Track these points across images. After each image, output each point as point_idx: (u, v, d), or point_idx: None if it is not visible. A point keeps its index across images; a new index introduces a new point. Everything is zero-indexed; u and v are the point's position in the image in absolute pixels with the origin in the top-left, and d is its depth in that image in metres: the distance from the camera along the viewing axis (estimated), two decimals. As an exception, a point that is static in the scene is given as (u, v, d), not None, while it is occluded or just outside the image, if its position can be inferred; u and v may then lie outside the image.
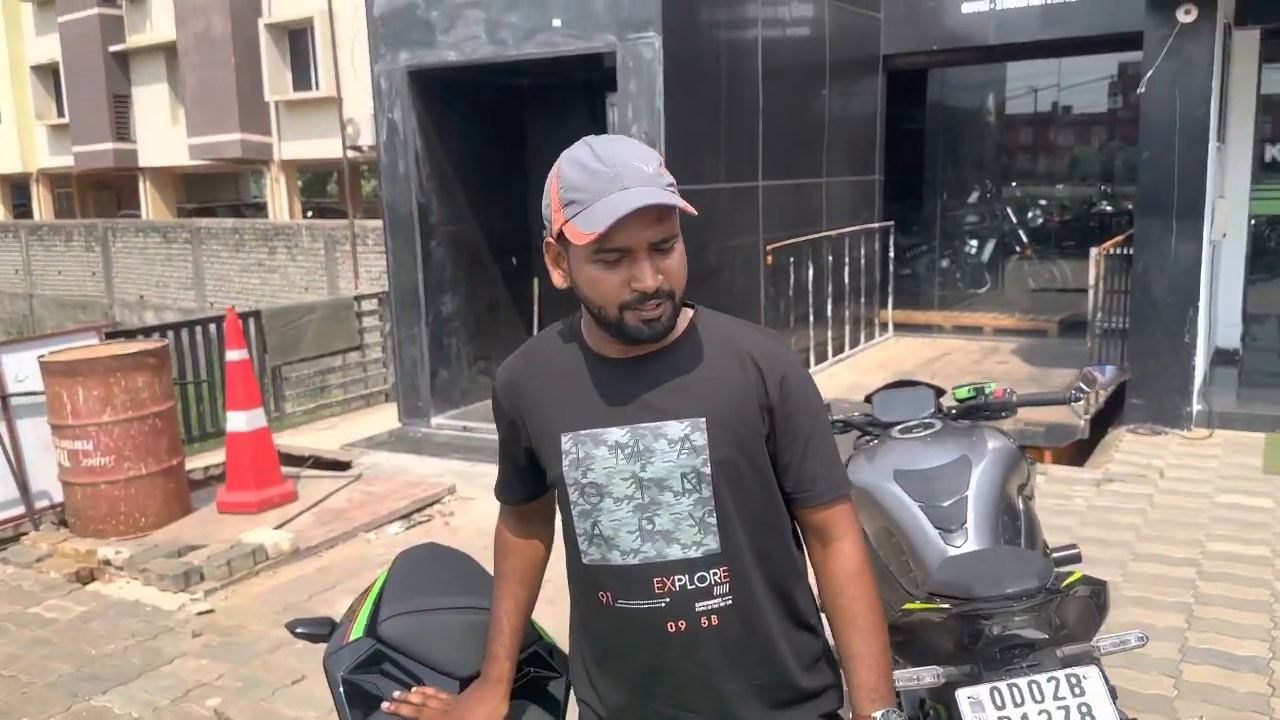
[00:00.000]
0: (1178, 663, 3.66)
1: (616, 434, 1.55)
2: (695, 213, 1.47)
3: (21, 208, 27.09)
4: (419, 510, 5.64)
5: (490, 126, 7.73)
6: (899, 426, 2.65)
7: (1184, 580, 4.37)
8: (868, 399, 2.80)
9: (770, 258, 6.99)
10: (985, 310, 9.71)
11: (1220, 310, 8.08)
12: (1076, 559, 2.87)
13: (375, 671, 1.80)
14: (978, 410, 2.71)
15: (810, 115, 7.90)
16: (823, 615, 1.68)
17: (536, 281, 8.19)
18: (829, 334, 8.10)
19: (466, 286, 7.56)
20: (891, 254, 9.16)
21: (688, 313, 1.62)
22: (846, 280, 8.25)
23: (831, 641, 1.65)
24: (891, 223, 9.09)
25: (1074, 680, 1.86)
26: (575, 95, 7.95)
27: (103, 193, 27.16)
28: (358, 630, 1.85)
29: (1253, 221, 8.17)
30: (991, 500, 2.39)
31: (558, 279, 1.56)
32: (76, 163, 23.45)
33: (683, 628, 1.55)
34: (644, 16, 6.07)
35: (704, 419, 1.54)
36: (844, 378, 7.55)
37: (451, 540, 5.23)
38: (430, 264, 7.23)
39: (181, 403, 6.59)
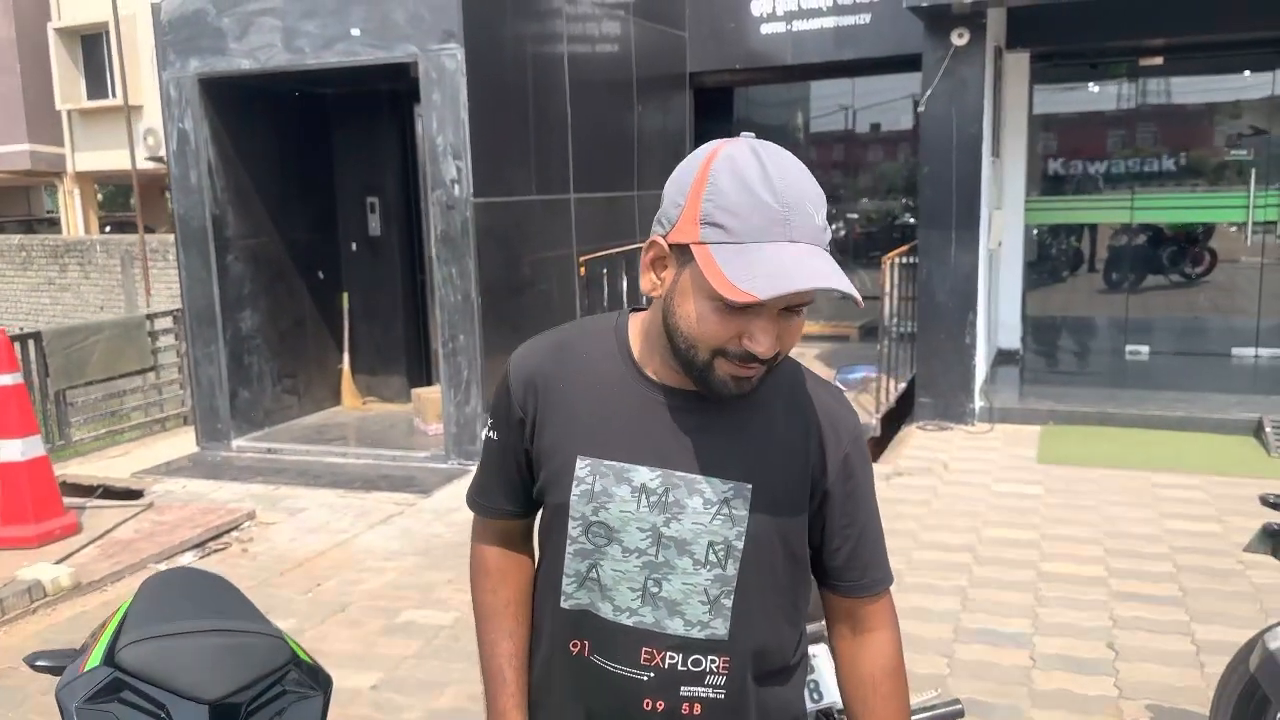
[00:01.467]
0: (951, 642, 3.91)
1: (645, 475, 1.32)
2: (862, 304, 1.31)
3: None
4: (215, 538, 5.39)
5: (293, 137, 7.50)
6: None
7: (961, 565, 4.67)
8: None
9: (584, 269, 7.06)
10: (794, 317, 10.09)
11: (1001, 314, 8.70)
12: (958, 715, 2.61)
13: (114, 700, 1.71)
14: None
15: (621, 129, 8.04)
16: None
17: (346, 296, 8.00)
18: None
19: (268, 302, 7.30)
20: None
21: None
22: (625, 303, 8.40)
23: None
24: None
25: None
26: (383, 105, 7.82)
27: None
28: (94, 660, 1.76)
29: (1035, 231, 8.85)
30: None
31: (648, 284, 1.29)
32: None
33: (660, 709, 1.35)
34: (445, 27, 6.04)
35: (750, 485, 1.32)
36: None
37: (251, 568, 5.08)
38: (227, 279, 6.95)
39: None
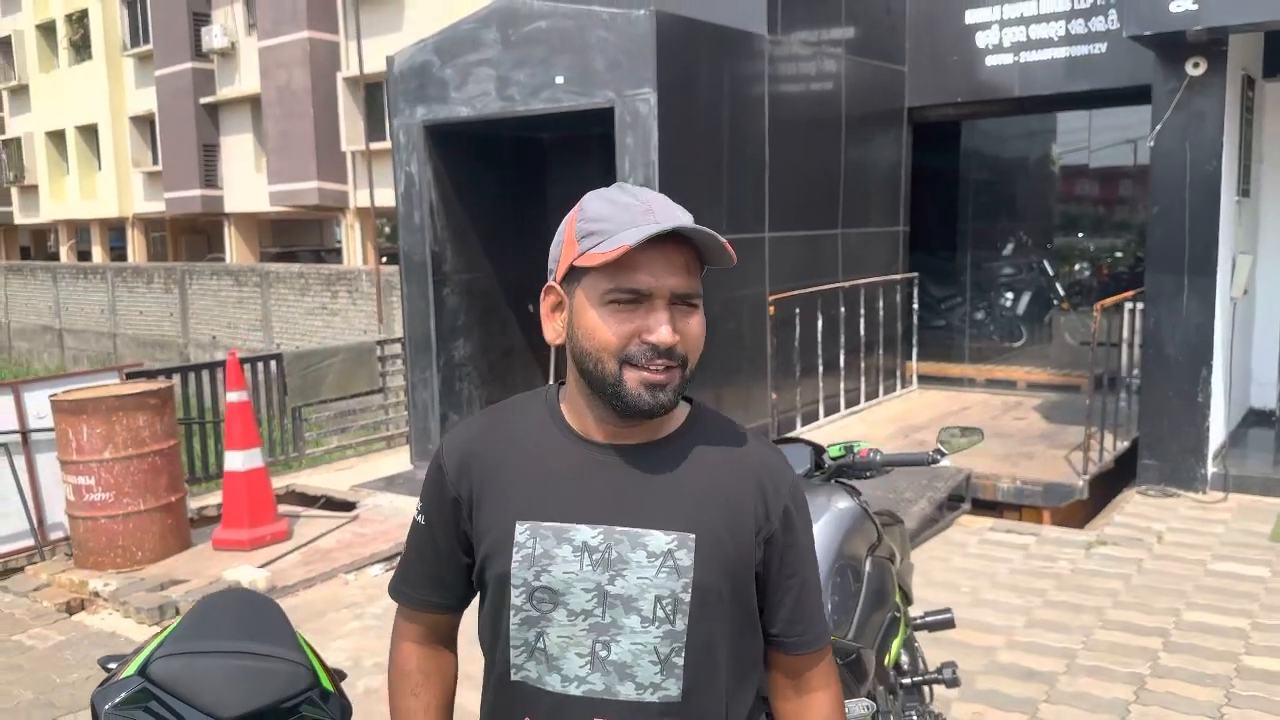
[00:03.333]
0: (1111, 737, 3.53)
1: (586, 534, 1.30)
2: (735, 259, 1.33)
3: (118, 250, 28.53)
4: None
5: (509, 178, 7.94)
6: None
7: (1146, 650, 4.21)
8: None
9: (774, 308, 6.99)
10: (1019, 364, 9.50)
11: (1255, 369, 7.80)
12: (949, 624, 2.82)
13: (139, 709, 1.87)
14: (846, 469, 2.69)
15: (825, 168, 7.91)
16: None
17: (555, 329, 8.33)
18: (842, 386, 8.03)
19: (480, 332, 7.73)
20: (916, 305, 9.06)
21: (685, 405, 1.40)
22: (863, 332, 8.18)
23: None
24: (915, 274, 8.99)
25: None
26: (594, 148, 8.12)
27: (194, 237, 28.49)
28: (131, 668, 1.94)
29: None
30: (823, 559, 2.38)
31: (551, 333, 1.36)
32: (168, 208, 24.67)
33: None
34: (640, 73, 6.21)
35: (693, 535, 1.29)
36: (852, 430, 7.48)
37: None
38: (443, 310, 7.43)
39: (190, 442, 6.87)
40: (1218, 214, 6.26)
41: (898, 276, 8.77)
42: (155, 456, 5.60)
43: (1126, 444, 6.80)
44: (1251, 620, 4.49)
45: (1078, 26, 8.02)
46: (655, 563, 1.28)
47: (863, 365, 8.31)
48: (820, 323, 7.55)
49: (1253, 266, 7.13)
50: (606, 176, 8.18)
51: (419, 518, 1.45)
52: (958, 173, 9.87)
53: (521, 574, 1.31)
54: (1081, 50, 7.99)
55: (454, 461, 1.39)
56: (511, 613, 1.32)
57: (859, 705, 1.93)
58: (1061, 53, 8.10)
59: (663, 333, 1.26)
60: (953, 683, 2.66)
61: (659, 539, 1.29)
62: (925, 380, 9.30)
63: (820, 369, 7.77)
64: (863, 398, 8.37)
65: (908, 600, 2.77)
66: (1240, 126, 6.71)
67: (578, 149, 8.17)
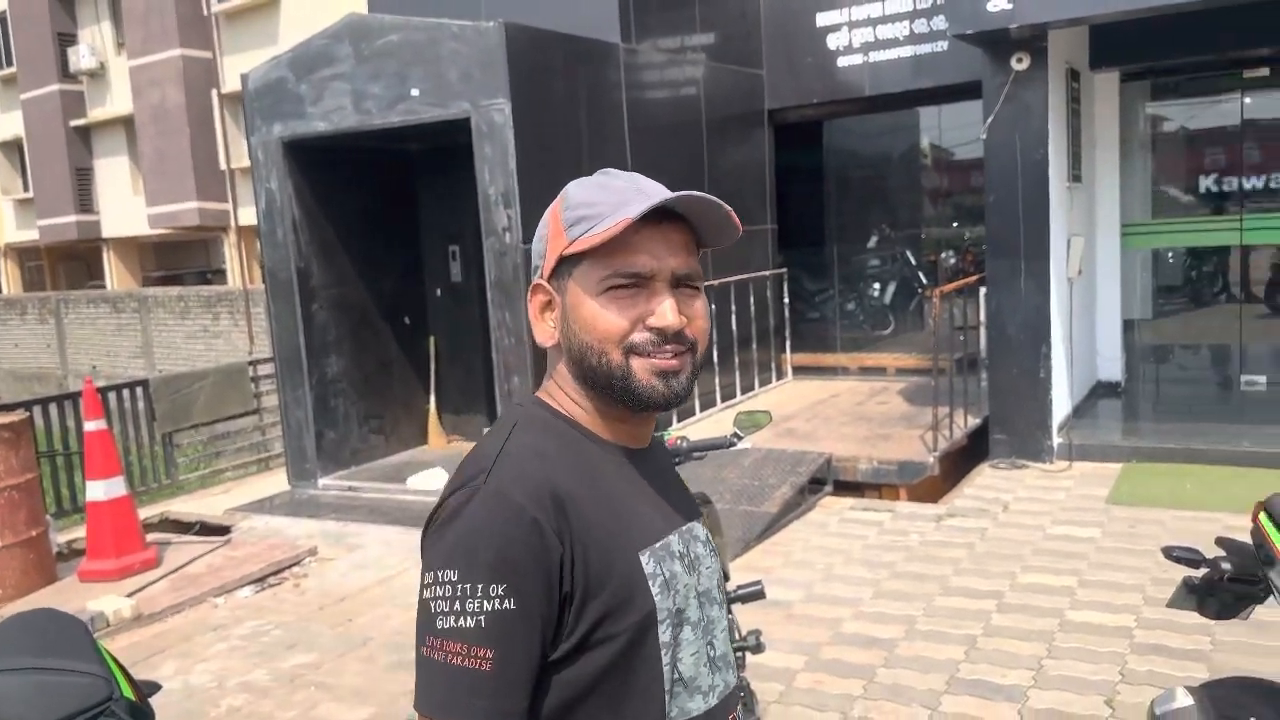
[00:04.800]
0: (940, 694, 3.77)
1: (675, 543, 1.23)
2: (740, 231, 1.24)
3: (-10, 282, 27.35)
4: (275, 574, 5.74)
5: (376, 190, 7.95)
6: None
7: (980, 613, 4.48)
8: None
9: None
10: (888, 351, 9.87)
11: (1100, 344, 8.26)
12: (759, 595, 3.00)
13: None
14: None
15: (688, 171, 8.12)
16: None
17: (433, 340, 8.37)
18: (717, 381, 8.25)
19: (352, 346, 7.72)
20: (788, 299, 9.34)
21: None
22: (735, 328, 8.41)
23: None
24: (784, 270, 9.28)
25: None
26: (461, 158, 8.17)
27: (73, 264, 27.44)
28: None
29: (1153, 254, 8.39)
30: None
31: (544, 334, 1.24)
32: (41, 236, 23.77)
33: None
34: (493, 84, 6.31)
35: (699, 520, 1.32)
36: (726, 423, 7.68)
37: (296, 602, 5.38)
38: (312, 326, 7.40)
39: (55, 475, 6.72)
40: (1048, 200, 6.65)
41: (768, 272, 9.03)
42: (12, 491, 5.48)
43: (978, 421, 7.16)
44: (1079, 578, 4.81)
45: (920, 26, 8.40)
46: (709, 551, 1.29)
47: (738, 360, 8.54)
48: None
49: (1083, 248, 7.57)
50: (473, 186, 8.26)
51: (504, 603, 1.08)
52: (822, 170, 10.20)
53: (664, 605, 1.18)
54: (925, 49, 8.37)
55: (550, 518, 1.11)
56: (662, 651, 1.17)
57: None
58: (907, 51, 8.47)
59: (669, 316, 1.17)
60: (757, 649, 2.84)
61: (699, 529, 1.30)
62: (801, 371, 9.60)
63: (692, 366, 7.95)
64: (739, 391, 8.60)
65: (725, 576, 2.94)
66: (1068, 116, 7.12)
67: (447, 158, 8.20)
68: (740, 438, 2.79)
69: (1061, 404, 7.00)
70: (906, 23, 8.47)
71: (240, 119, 21.04)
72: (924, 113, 10.08)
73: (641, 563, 1.16)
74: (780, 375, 9.35)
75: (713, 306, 8.16)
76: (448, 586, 1.08)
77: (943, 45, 8.26)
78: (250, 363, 8.27)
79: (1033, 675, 3.86)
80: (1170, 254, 8.62)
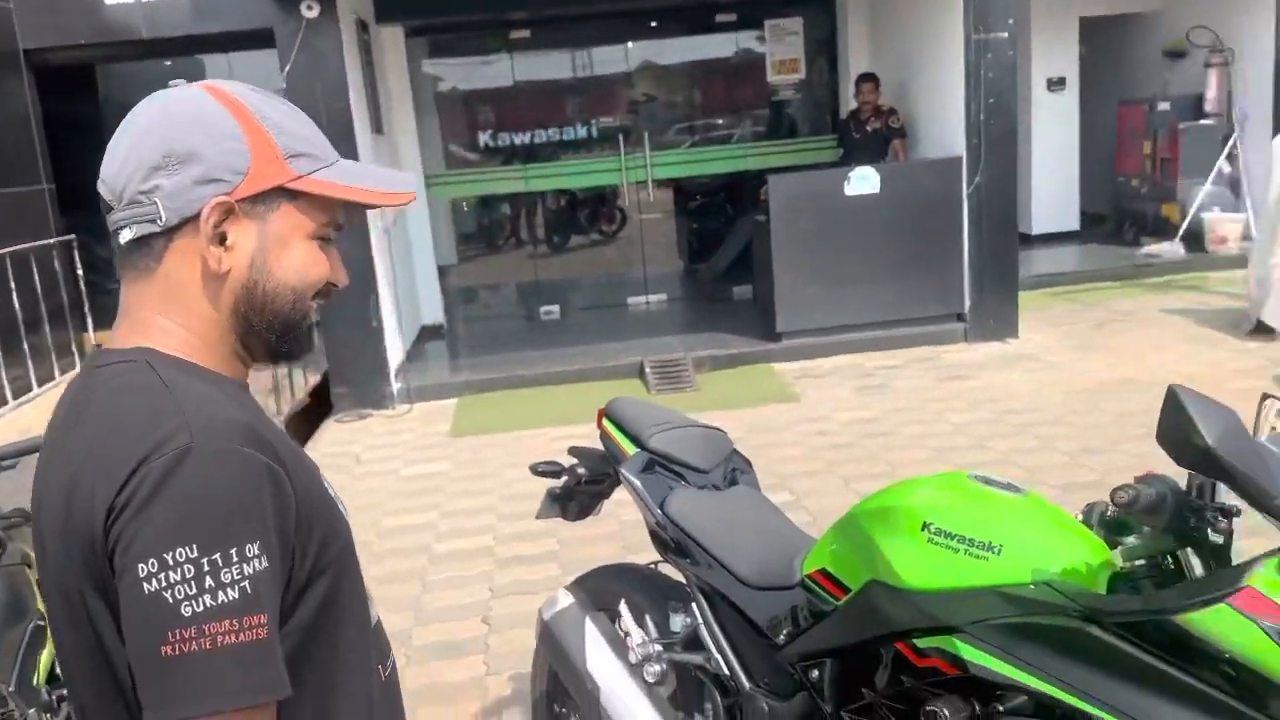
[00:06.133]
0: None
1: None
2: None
3: None
4: None
5: None
6: None
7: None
8: None
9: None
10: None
11: (420, 290, 8.66)
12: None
13: None
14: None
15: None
16: None
17: None
18: (4, 375, 6.94)
19: None
20: (81, 271, 8.19)
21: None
22: (20, 309, 7.13)
23: None
24: (72, 236, 8.11)
25: None
26: None
27: None
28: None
29: (465, 206, 8.89)
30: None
31: (220, 258, 1.05)
32: None
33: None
34: None
35: None
36: (25, 422, 6.53)
37: None
38: None
39: None
40: (355, 150, 6.66)
41: (51, 241, 7.80)
42: None
43: (318, 378, 7.05)
44: (439, 510, 5.00)
45: (201, -31, 7.82)
46: None
47: (28, 348, 7.27)
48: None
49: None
50: None
51: (260, 562, 0.96)
52: (103, 122, 9.07)
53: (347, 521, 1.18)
54: (207, -8, 7.82)
55: (266, 448, 1.01)
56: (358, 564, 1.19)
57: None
58: (189, -5, 7.84)
59: (344, 275, 1.16)
60: None
61: None
62: (109, 352, 8.52)
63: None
64: (35, 384, 7.34)
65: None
66: (362, 67, 7.21)
67: None
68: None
69: (395, 351, 7.19)
70: (186, -36, 7.82)
71: None
72: (215, 60, 9.49)
73: (328, 490, 1.15)
74: (86, 359, 8.18)
75: (-16, 287, 6.81)
76: (187, 567, 0.93)
77: (226, -10, 7.80)
78: None
79: (413, 615, 3.92)
80: (466, 204, 9.32)
